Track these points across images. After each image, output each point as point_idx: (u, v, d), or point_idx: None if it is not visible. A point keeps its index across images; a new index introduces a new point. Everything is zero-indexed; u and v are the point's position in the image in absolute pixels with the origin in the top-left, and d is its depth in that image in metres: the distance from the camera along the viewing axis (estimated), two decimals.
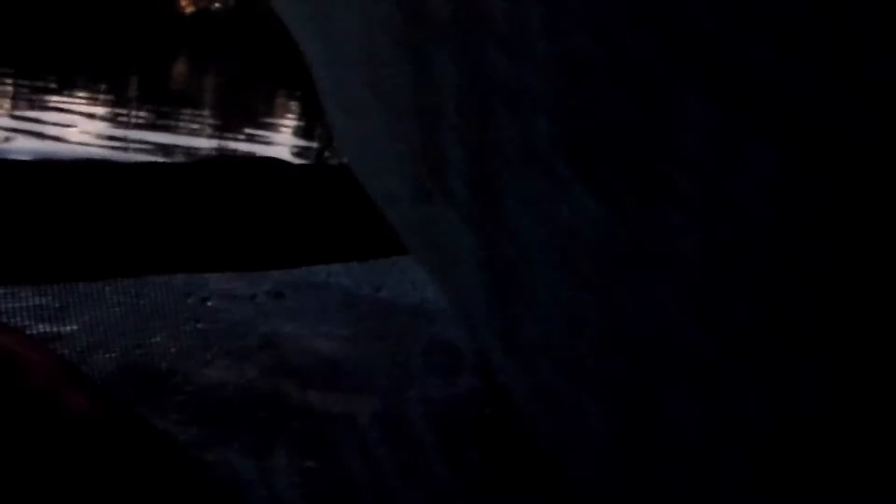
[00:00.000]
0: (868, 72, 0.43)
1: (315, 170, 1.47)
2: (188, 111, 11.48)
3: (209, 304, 1.55)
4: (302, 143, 10.84)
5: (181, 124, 10.14)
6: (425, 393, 1.59)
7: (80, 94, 11.16)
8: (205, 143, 8.59)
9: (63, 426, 0.81)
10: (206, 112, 12.47)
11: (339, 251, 1.51)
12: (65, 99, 10.41)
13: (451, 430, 1.61)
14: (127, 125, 9.54)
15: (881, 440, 0.50)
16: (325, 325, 1.77)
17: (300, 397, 1.62)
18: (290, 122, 13.42)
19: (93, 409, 0.85)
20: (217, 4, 29.77)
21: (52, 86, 11.62)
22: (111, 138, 7.95)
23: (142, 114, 10.74)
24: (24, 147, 6.54)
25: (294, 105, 15.46)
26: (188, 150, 7.71)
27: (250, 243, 1.39)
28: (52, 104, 9.82)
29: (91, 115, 9.65)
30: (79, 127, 8.47)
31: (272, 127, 12.12)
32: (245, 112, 13.44)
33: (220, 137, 9.67)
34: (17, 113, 8.94)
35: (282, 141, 10.56)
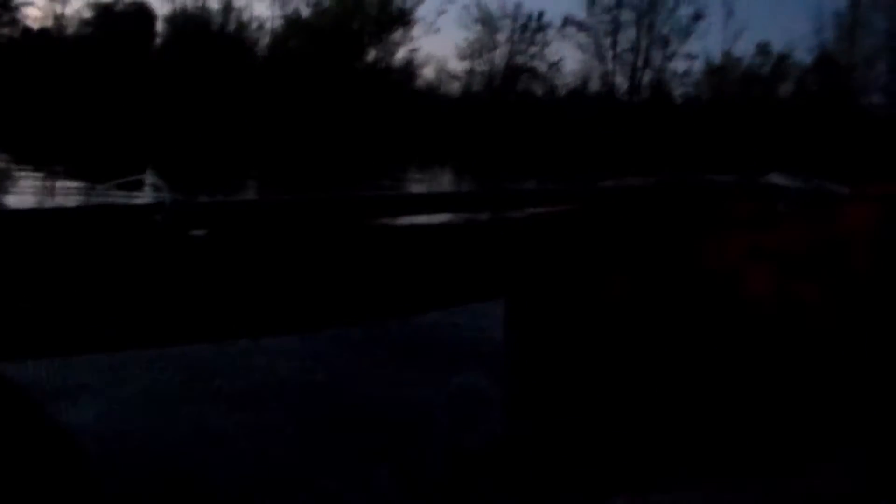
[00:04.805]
0: None
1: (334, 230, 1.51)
2: None
3: (239, 362, 1.57)
4: None
5: None
6: (449, 440, 1.61)
7: None
8: None
9: None
10: None
11: (367, 309, 1.55)
12: None
13: (473, 477, 1.63)
14: None
15: None
16: (351, 374, 1.78)
17: (319, 451, 1.63)
18: None
19: None
20: None
21: None
22: None
23: None
24: None
25: None
26: None
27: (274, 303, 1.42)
28: None
29: None
30: None
31: None
32: None
33: None
34: None
35: None
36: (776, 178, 1.77)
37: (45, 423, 0.97)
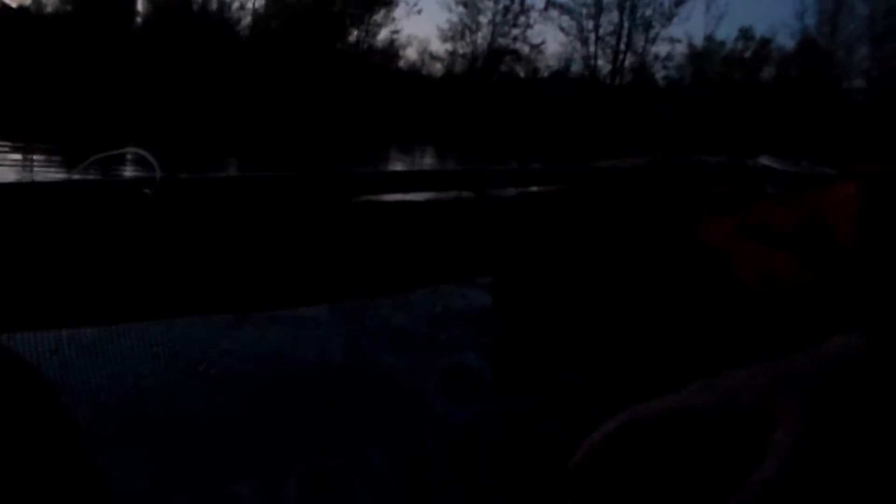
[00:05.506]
0: None
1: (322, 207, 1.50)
2: None
3: (223, 340, 1.56)
4: None
5: None
6: (440, 420, 1.61)
7: None
8: None
9: None
10: None
11: (356, 285, 1.54)
12: None
13: (465, 457, 1.63)
14: None
15: None
16: (337, 352, 1.78)
17: (309, 428, 1.62)
18: None
19: None
20: None
21: None
22: None
23: None
24: None
25: None
26: None
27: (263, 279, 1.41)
28: None
29: None
30: None
31: None
32: None
33: None
34: None
35: None
36: (765, 160, 1.79)
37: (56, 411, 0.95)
